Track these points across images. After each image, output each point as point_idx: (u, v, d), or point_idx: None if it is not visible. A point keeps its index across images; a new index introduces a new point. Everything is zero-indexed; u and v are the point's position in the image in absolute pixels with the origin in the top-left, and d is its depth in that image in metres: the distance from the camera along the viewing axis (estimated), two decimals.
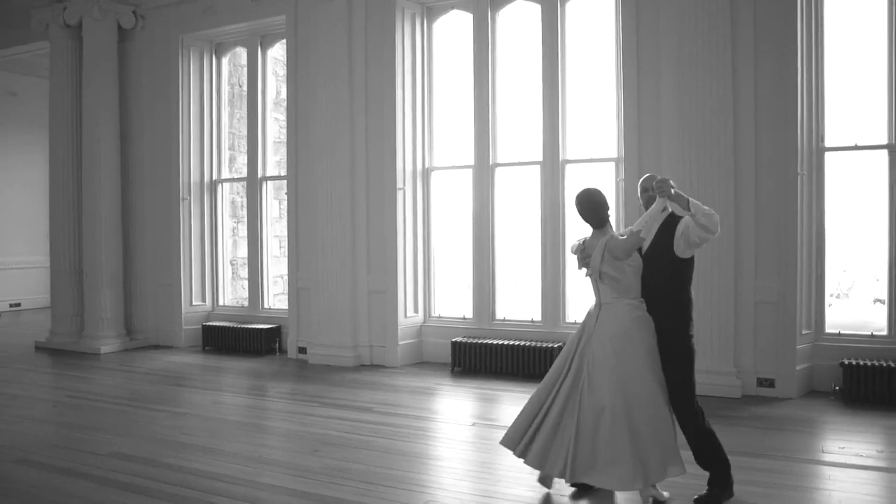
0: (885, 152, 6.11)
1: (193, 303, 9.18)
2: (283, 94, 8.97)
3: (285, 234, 8.81)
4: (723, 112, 6.07)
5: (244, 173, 9.27)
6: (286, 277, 8.72)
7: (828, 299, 6.57)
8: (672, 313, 3.83)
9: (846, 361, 5.88)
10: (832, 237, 6.39)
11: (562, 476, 3.81)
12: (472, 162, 7.63)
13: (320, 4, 7.80)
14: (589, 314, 3.98)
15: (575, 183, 7.09)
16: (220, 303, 9.38)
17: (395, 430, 5.27)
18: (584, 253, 3.95)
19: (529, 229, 7.46)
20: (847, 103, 6.33)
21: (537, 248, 7.33)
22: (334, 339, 7.77)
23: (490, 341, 7.20)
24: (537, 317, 7.34)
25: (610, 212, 3.99)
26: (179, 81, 8.99)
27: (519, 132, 7.59)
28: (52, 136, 9.34)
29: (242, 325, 8.69)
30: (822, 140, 6.27)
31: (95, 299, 8.86)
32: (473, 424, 5.48)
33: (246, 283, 9.51)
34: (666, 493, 3.87)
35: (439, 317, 7.92)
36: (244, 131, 9.34)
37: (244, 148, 9.38)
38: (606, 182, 6.87)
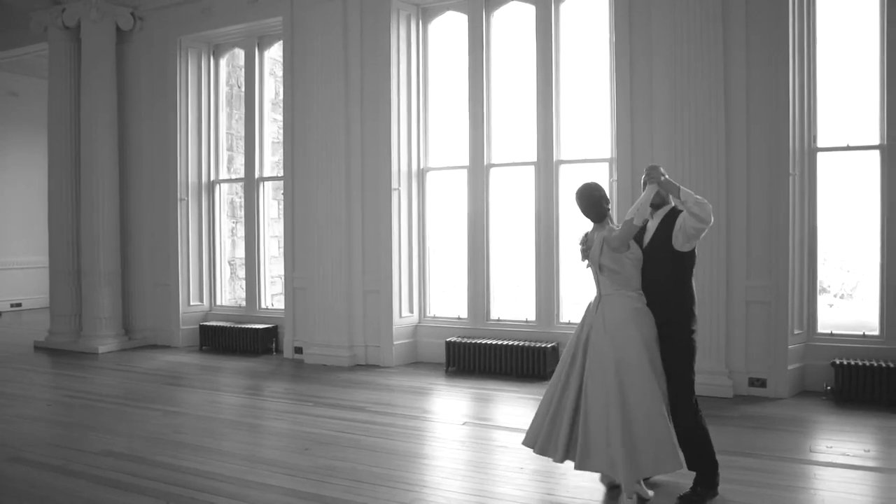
0: (877, 153, 6.12)
1: (191, 303, 9.23)
2: (282, 95, 9.01)
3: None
4: (715, 113, 6.09)
5: (242, 174, 9.31)
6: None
7: (831, 299, 6.60)
8: (673, 307, 3.85)
9: (838, 361, 5.90)
10: (834, 237, 6.41)
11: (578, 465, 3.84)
12: (466, 162, 7.66)
13: (316, 6, 7.84)
14: (589, 306, 4.03)
15: (569, 183, 7.12)
16: (218, 303, 9.42)
17: (387, 430, 5.30)
18: (586, 245, 4.00)
19: (524, 230, 7.48)
20: (839, 104, 6.34)
21: (531, 248, 7.35)
22: (330, 339, 7.80)
23: (484, 341, 7.22)
24: (531, 317, 7.37)
25: (610, 206, 4.04)
26: (177, 82, 9.05)
27: (513, 133, 7.61)
28: (50, 136, 9.40)
29: (239, 325, 8.73)
30: (815, 140, 6.28)
31: (94, 299, 8.92)
32: (464, 424, 5.51)
33: (244, 283, 9.56)
34: (651, 493, 3.89)
35: (434, 317, 7.95)
36: (243, 132, 9.39)
37: (243, 148, 9.42)
38: (600, 182, 6.85)
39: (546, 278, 7.25)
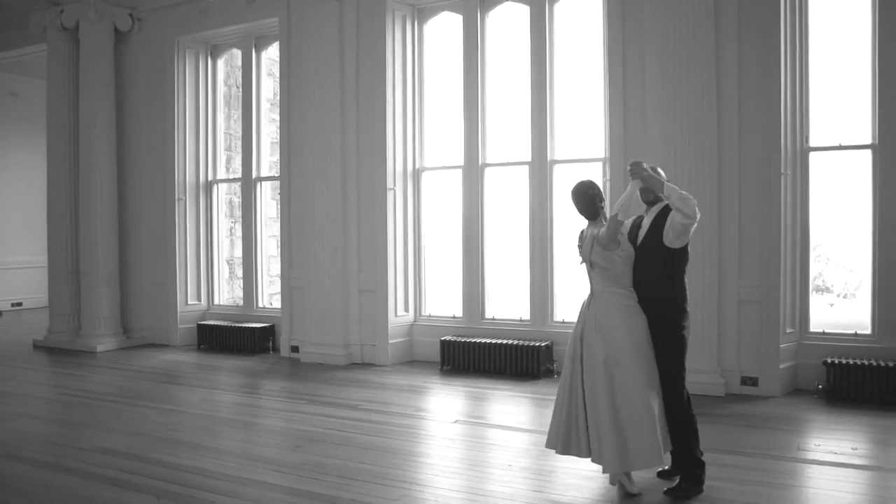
0: (868, 152, 6.14)
1: (189, 302, 9.28)
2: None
3: None
4: (707, 112, 6.11)
5: (240, 174, 9.35)
6: None
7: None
8: (666, 304, 3.89)
9: (829, 360, 5.92)
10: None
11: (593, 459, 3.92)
12: (461, 162, 7.70)
13: (312, 7, 7.88)
14: (583, 303, 4.08)
15: (563, 183, 7.15)
16: (216, 302, 9.47)
17: (379, 427, 5.34)
18: (581, 242, 4.07)
19: (518, 229, 7.52)
20: (831, 103, 6.36)
21: (526, 247, 7.38)
22: (326, 338, 7.85)
23: (479, 340, 7.26)
24: (526, 315, 7.40)
25: (604, 203, 4.09)
26: (175, 83, 9.10)
27: (508, 132, 7.65)
28: (49, 137, 9.46)
29: (237, 325, 8.78)
30: (807, 140, 6.30)
31: (92, 298, 8.98)
32: (455, 422, 5.55)
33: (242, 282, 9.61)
34: (636, 489, 3.92)
35: (429, 316, 7.99)
36: (241, 132, 9.43)
37: (241, 148, 9.46)
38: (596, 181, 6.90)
39: (540, 277, 7.28)
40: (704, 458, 3.96)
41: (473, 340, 7.27)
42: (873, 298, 6.13)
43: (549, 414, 5.85)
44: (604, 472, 3.89)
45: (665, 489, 3.91)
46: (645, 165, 3.86)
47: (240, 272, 9.81)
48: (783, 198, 6.08)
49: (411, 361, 7.86)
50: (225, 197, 9.75)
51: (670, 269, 3.91)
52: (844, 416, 5.47)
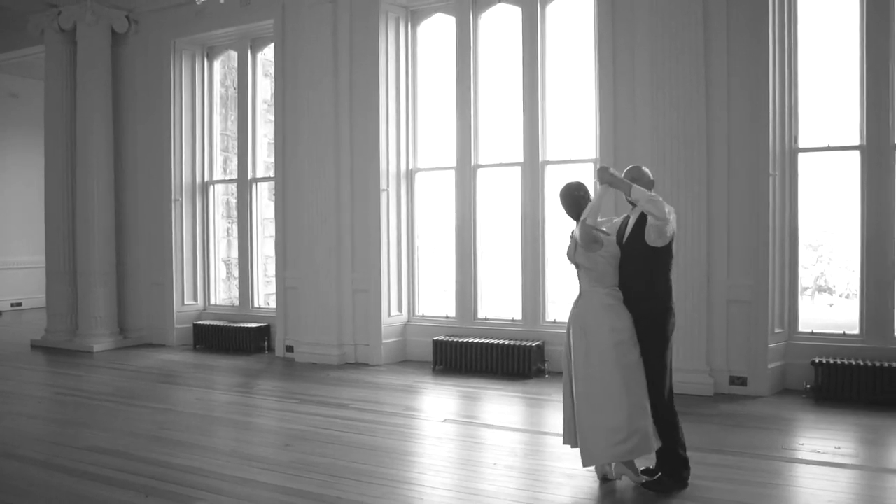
0: (857, 153, 6.17)
1: (185, 302, 9.34)
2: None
3: None
4: (696, 114, 6.15)
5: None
6: None
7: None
8: (650, 302, 3.94)
9: (817, 360, 5.95)
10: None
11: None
12: (454, 163, 7.74)
13: (307, 9, 7.93)
14: (573, 302, 4.17)
15: (554, 184, 7.18)
16: (213, 302, 9.53)
17: (368, 426, 5.39)
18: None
19: (510, 229, 7.56)
20: (820, 104, 6.39)
21: (518, 248, 7.42)
22: (320, 338, 7.90)
23: (471, 340, 7.30)
24: (518, 316, 7.44)
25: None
26: (171, 84, 9.16)
27: (500, 134, 7.69)
28: (47, 138, 9.52)
29: (232, 325, 8.84)
30: (796, 141, 6.34)
31: (89, 299, 9.04)
32: (444, 421, 5.60)
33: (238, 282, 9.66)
34: (614, 475, 4.09)
35: (423, 316, 8.04)
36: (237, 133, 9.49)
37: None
38: (585, 183, 6.93)
39: (532, 278, 7.32)
40: (690, 456, 4.01)
41: (466, 340, 7.32)
42: (861, 298, 6.16)
43: (539, 413, 5.98)
44: (584, 464, 3.98)
45: (644, 481, 3.97)
46: (612, 171, 3.93)
47: (237, 272, 9.87)
48: (772, 198, 6.12)
49: (404, 361, 7.91)
50: (222, 198, 9.80)
51: (654, 268, 3.96)
52: (831, 416, 5.50)
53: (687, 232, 6.10)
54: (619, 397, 3.85)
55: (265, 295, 9.31)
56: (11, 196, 13.43)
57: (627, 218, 4.13)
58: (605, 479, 4.09)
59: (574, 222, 4.15)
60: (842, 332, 6.22)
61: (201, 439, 5.12)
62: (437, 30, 8.02)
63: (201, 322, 9.14)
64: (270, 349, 8.67)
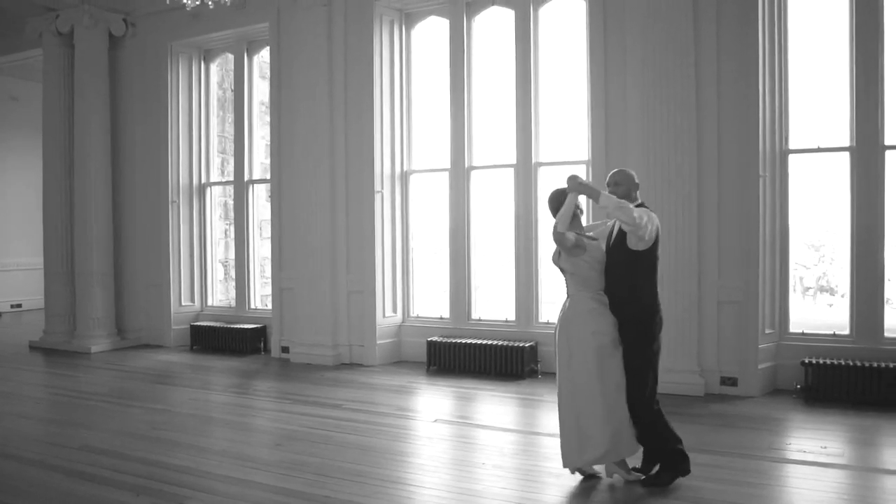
0: (846, 154, 6.20)
1: (182, 303, 9.40)
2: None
3: None
4: (686, 115, 6.20)
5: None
6: None
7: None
8: (634, 305, 3.99)
9: (807, 360, 5.99)
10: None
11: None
12: (448, 165, 7.78)
13: (302, 12, 7.98)
14: (560, 306, 4.24)
15: (547, 185, 7.21)
16: (210, 303, 9.58)
17: (360, 426, 5.43)
18: None
19: (504, 231, 7.60)
20: (811, 106, 6.43)
21: (511, 249, 7.47)
22: (315, 339, 7.95)
23: (465, 340, 7.34)
24: (511, 316, 7.49)
25: (581, 210, 4.20)
26: (169, 87, 9.22)
27: (494, 135, 7.74)
28: (45, 140, 9.59)
29: (229, 325, 8.89)
30: (786, 142, 6.37)
31: (87, 300, 9.10)
32: (435, 421, 5.64)
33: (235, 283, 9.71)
34: (603, 475, 4.15)
35: (417, 316, 8.09)
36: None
37: None
38: None
39: (525, 279, 7.36)
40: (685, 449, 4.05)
41: (459, 341, 7.36)
42: (851, 299, 6.19)
43: (532, 413, 6.02)
44: (563, 465, 4.06)
45: (642, 478, 4.02)
46: (580, 179, 3.98)
47: (234, 274, 9.91)
48: (762, 199, 6.16)
49: (399, 362, 7.95)
50: (220, 199, 9.85)
51: (637, 272, 4.00)
52: (821, 416, 5.53)
53: (677, 233, 6.14)
54: (594, 402, 3.92)
55: (262, 296, 9.36)
56: (11, 198, 13.49)
57: (615, 222, 4.17)
58: (591, 477, 4.13)
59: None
60: (832, 332, 6.26)
61: (195, 439, 5.17)
62: (431, 32, 8.07)
63: (198, 323, 9.19)
64: (266, 350, 8.72)
